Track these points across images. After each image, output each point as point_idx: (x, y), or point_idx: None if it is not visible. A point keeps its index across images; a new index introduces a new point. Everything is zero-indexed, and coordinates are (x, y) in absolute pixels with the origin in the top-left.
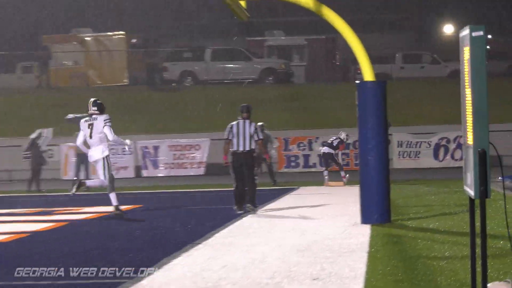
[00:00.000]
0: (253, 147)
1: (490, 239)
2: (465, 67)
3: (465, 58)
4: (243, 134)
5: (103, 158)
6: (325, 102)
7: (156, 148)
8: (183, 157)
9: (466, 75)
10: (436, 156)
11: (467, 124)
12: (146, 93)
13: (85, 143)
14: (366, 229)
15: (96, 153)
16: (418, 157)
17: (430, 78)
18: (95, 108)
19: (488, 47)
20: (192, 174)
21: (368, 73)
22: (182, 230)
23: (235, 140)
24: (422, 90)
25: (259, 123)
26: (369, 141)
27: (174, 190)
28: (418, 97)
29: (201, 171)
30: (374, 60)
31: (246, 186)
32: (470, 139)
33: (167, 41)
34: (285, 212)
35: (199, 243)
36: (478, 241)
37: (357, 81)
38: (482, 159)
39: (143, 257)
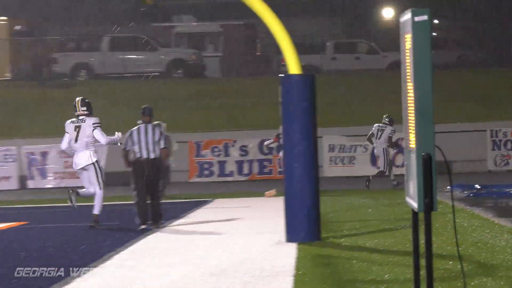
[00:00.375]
0: (158, 155)
1: (437, 259)
2: (406, 57)
3: (406, 47)
4: (145, 141)
5: (94, 164)
6: (243, 99)
7: (44, 154)
8: None
9: (407, 67)
10: (373, 162)
11: (409, 125)
12: (32, 90)
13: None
14: (292, 248)
15: (83, 159)
16: (353, 163)
17: (367, 71)
18: (85, 109)
19: (433, 34)
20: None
21: (293, 65)
22: (74, 251)
23: (137, 147)
24: (358, 85)
25: (156, 122)
26: (295, 145)
27: (66, 204)
28: (353, 93)
29: None
30: (300, 49)
31: (149, 198)
32: (412, 142)
33: (57, 28)
34: (198, 228)
35: (95, 266)
36: (423, 261)
37: (280, 75)
38: (427, 165)
39: (28, 284)
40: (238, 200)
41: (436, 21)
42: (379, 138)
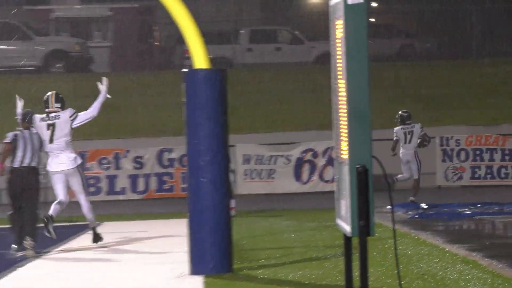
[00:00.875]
0: (37, 164)
1: None
2: (337, 48)
3: (337, 36)
4: (31, 147)
5: (78, 169)
6: (138, 99)
7: None
8: None
9: (339, 60)
10: (298, 176)
11: (341, 130)
12: None
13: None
14: (197, 282)
15: (65, 163)
16: (273, 178)
17: (290, 65)
18: (59, 105)
19: (371, 19)
20: None
21: (200, 58)
22: None
23: (20, 152)
24: (279, 82)
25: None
26: (202, 155)
27: None
28: (273, 92)
29: None
30: (209, 38)
31: (25, 217)
32: (344, 152)
33: None
34: (82, 258)
35: None
36: None
37: (184, 69)
38: (363, 180)
39: None
40: (132, 223)
41: (374, 4)
42: (409, 142)
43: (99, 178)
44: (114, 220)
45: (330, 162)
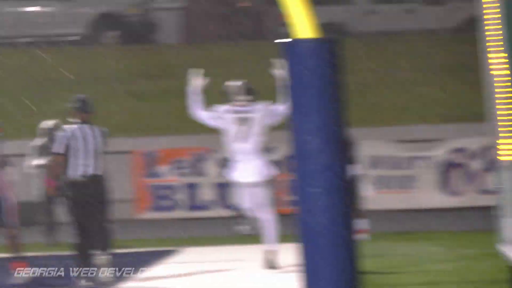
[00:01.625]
0: (101, 170)
1: None
2: (490, 11)
3: None
4: (85, 147)
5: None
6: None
7: None
8: None
9: (492, 27)
10: (445, 185)
11: (500, 123)
12: None
13: None
14: None
15: (260, 171)
16: (411, 186)
17: (424, 32)
18: (251, 98)
19: None
20: None
21: (303, 24)
22: None
23: (73, 159)
24: (408, 55)
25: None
26: (312, 156)
27: None
28: (401, 70)
29: None
30: None
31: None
32: (508, 152)
33: None
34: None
35: None
36: None
37: (280, 40)
38: None
39: None
40: (223, 249)
41: None
42: None
43: (176, 188)
44: (199, 245)
45: (492, 166)
